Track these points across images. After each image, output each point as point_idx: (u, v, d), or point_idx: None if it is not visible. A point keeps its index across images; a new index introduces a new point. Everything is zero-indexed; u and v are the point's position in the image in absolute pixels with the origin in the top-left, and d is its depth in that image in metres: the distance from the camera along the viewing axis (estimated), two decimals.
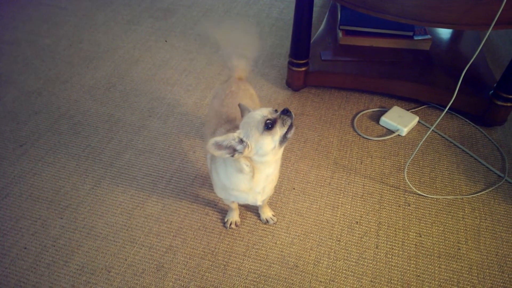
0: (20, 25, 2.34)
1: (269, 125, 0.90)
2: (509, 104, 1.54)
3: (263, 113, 0.93)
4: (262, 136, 0.90)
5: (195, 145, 1.58)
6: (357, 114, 1.72)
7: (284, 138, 0.93)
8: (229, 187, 1.05)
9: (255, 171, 0.98)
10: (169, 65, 2.02)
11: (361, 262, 1.21)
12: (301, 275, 1.18)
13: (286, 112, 0.93)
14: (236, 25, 1.57)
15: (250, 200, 1.08)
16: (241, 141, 0.91)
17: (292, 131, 0.94)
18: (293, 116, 0.94)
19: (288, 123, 0.93)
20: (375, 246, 1.25)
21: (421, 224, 1.31)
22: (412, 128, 1.65)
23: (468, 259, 1.21)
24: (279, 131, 0.92)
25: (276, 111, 0.95)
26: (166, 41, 2.20)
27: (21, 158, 1.53)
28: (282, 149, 0.97)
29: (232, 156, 0.91)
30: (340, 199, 1.38)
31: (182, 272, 1.18)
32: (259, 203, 1.09)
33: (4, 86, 1.88)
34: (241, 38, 1.25)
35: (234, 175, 1.01)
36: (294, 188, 1.42)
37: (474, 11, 1.17)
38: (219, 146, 0.90)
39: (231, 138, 0.90)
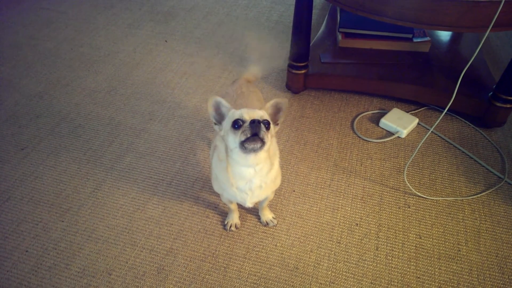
0: (21, 29, 2.35)
1: (235, 125, 0.94)
2: (508, 106, 1.54)
3: (245, 113, 0.95)
4: (229, 130, 0.95)
5: (195, 148, 1.59)
6: (357, 116, 1.73)
7: (242, 146, 0.92)
8: (218, 176, 1.09)
9: (228, 164, 1.01)
10: (170, 68, 2.03)
11: (361, 264, 1.21)
12: (301, 277, 1.18)
13: (252, 123, 0.91)
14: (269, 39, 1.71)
15: (238, 198, 1.08)
16: (226, 120, 0.98)
17: (256, 145, 0.91)
18: (262, 129, 0.91)
19: (247, 133, 0.91)
20: (375, 248, 1.25)
21: (421, 225, 1.31)
22: (412, 130, 1.65)
23: (468, 261, 1.22)
24: (239, 136, 0.92)
25: (266, 122, 0.94)
26: (166, 41, 2.21)
27: (23, 161, 1.54)
28: (251, 157, 0.95)
29: (215, 124, 1.00)
30: (340, 201, 1.38)
31: (182, 275, 1.18)
32: (248, 204, 1.08)
33: (5, 90, 1.90)
34: (267, 50, 1.37)
35: (218, 163, 1.07)
36: (294, 190, 1.42)
37: (472, 13, 1.17)
38: (217, 106, 0.98)
39: (228, 108, 0.98)
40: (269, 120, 0.98)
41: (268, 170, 1.02)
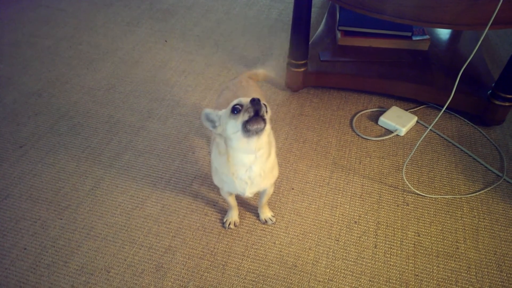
0: (20, 27, 2.35)
1: (234, 110, 0.94)
2: (507, 104, 1.54)
3: (242, 99, 0.96)
4: (229, 119, 0.96)
5: (194, 145, 1.59)
6: (355, 114, 1.73)
7: (245, 128, 0.92)
8: (218, 169, 1.10)
9: (228, 155, 1.02)
10: (169, 66, 2.03)
11: (360, 262, 1.21)
12: (299, 274, 1.18)
13: (252, 101, 0.92)
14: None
15: (238, 188, 1.08)
16: (219, 118, 1.00)
17: (259, 125, 0.92)
18: (263, 107, 0.93)
19: (251, 111, 0.92)
20: (374, 245, 1.25)
21: (420, 223, 1.31)
22: (411, 128, 1.65)
23: (466, 258, 1.22)
24: (241, 117, 0.93)
25: (264, 104, 0.96)
26: (166, 41, 2.21)
27: (21, 159, 1.54)
28: (253, 141, 0.96)
29: (212, 128, 1.02)
30: (339, 199, 1.38)
31: (181, 272, 1.19)
32: (247, 194, 1.09)
33: (4, 88, 1.89)
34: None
35: (218, 156, 1.08)
36: (293, 188, 1.42)
37: (471, 11, 1.17)
38: (207, 116, 1.01)
39: (215, 113, 1.01)
40: (266, 103, 0.99)
41: (267, 156, 1.03)
